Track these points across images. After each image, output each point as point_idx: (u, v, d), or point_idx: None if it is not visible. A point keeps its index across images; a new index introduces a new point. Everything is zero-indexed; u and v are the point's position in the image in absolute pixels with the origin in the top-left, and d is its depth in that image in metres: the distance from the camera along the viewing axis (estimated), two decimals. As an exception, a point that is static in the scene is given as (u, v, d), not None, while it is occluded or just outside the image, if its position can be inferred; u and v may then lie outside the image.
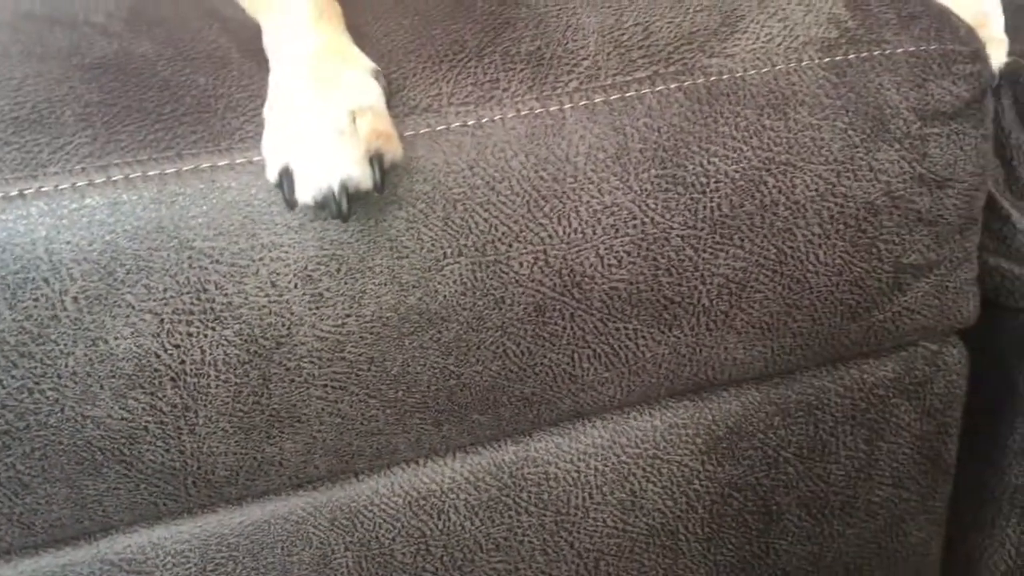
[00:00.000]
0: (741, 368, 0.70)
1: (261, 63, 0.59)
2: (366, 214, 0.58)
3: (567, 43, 0.61)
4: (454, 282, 0.60)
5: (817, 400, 0.73)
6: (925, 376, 0.75)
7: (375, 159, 0.54)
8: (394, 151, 0.55)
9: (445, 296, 0.60)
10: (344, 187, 0.53)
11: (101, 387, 0.58)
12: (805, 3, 0.64)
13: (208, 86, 0.58)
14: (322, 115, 0.54)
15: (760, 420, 0.72)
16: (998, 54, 0.68)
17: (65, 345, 0.56)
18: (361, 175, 0.54)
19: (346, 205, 0.53)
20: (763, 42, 0.62)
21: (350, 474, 0.67)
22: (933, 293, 0.70)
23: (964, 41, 0.65)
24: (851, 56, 0.63)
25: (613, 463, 0.71)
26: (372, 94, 0.56)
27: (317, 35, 0.58)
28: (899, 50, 0.64)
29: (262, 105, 0.57)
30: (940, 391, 0.76)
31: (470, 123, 0.58)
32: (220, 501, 0.65)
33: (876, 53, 0.63)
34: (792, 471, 0.75)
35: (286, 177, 0.54)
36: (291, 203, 0.54)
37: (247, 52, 0.60)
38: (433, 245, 0.59)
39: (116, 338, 0.57)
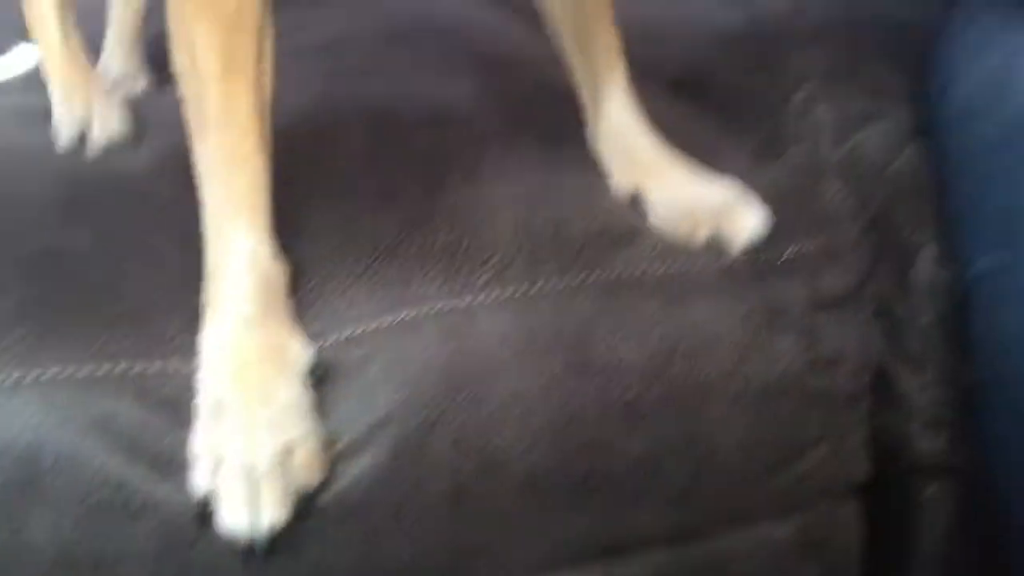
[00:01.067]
0: (651, 532, 0.73)
1: (198, 261, 0.62)
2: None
3: (481, 236, 0.65)
4: (374, 465, 0.63)
5: (722, 560, 0.76)
6: (824, 534, 0.79)
7: (302, 497, 0.57)
8: (318, 476, 0.58)
9: (364, 484, 0.62)
10: (271, 529, 0.55)
11: (20, 577, 0.58)
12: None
13: (143, 289, 0.60)
14: (250, 452, 0.55)
15: (669, 581, 0.75)
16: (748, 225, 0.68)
17: (-14, 534, 0.57)
18: (281, 515, 0.56)
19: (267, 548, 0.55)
20: (664, 244, 0.66)
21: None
22: (828, 458, 0.75)
23: (845, 232, 0.70)
24: (742, 259, 0.68)
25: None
26: (303, 424, 0.57)
27: (248, 332, 0.58)
28: (785, 252, 0.69)
29: (195, 316, 0.59)
30: (839, 547, 0.80)
31: (387, 321, 0.62)
32: None
33: (764, 257, 0.69)
34: (701, 630, 0.77)
35: (208, 502, 0.56)
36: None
37: (185, 248, 0.63)
38: (355, 433, 0.62)
39: (36, 528, 0.58)
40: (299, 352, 0.59)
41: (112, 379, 0.58)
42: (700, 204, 0.68)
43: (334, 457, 0.58)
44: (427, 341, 0.62)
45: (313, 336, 0.61)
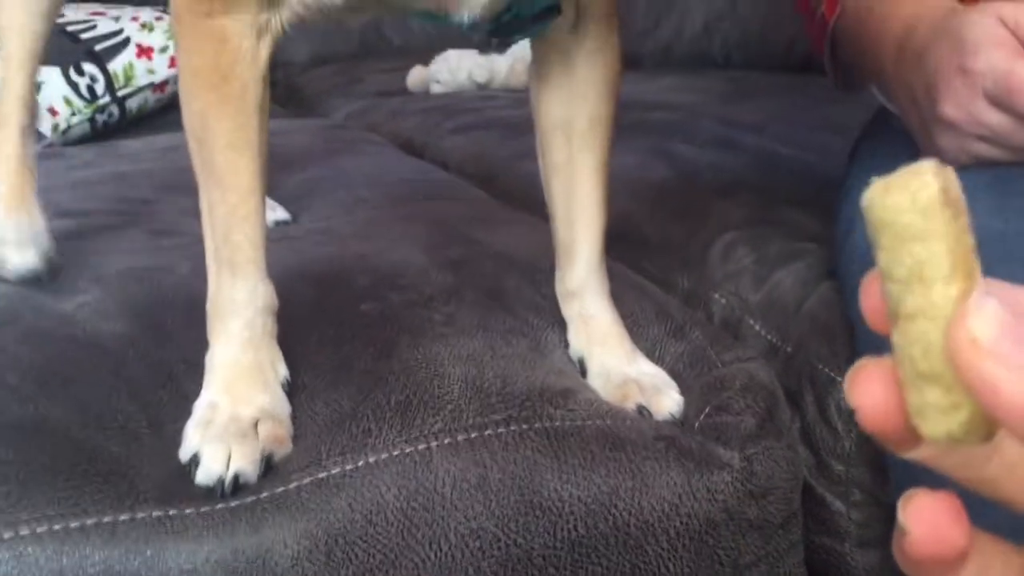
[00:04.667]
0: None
1: (167, 422, 0.66)
2: (253, 553, 0.64)
3: (433, 390, 0.71)
4: (335, 608, 0.66)
5: None
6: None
7: (266, 459, 0.66)
8: (284, 450, 0.68)
9: (327, 624, 0.66)
10: (236, 477, 0.65)
11: None
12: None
13: (119, 455, 0.65)
14: (232, 420, 0.67)
15: None
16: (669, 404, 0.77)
17: None
18: (252, 471, 0.66)
19: (230, 492, 0.65)
20: (598, 402, 0.73)
21: None
22: (767, 580, 0.79)
23: (747, 375, 0.77)
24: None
25: None
26: (277, 405, 0.69)
27: (244, 352, 0.69)
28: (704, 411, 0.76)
29: (170, 474, 0.65)
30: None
31: (347, 468, 0.66)
32: None
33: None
34: None
35: (194, 461, 0.66)
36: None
37: (154, 425, 0.69)
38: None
39: None
40: (280, 368, 0.71)
41: (86, 529, 0.61)
42: (632, 381, 0.77)
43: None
44: (384, 484, 0.67)
45: (275, 478, 0.66)
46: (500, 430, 0.70)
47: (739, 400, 0.75)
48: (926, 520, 0.28)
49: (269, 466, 0.66)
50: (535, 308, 0.83)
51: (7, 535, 0.61)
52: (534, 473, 0.69)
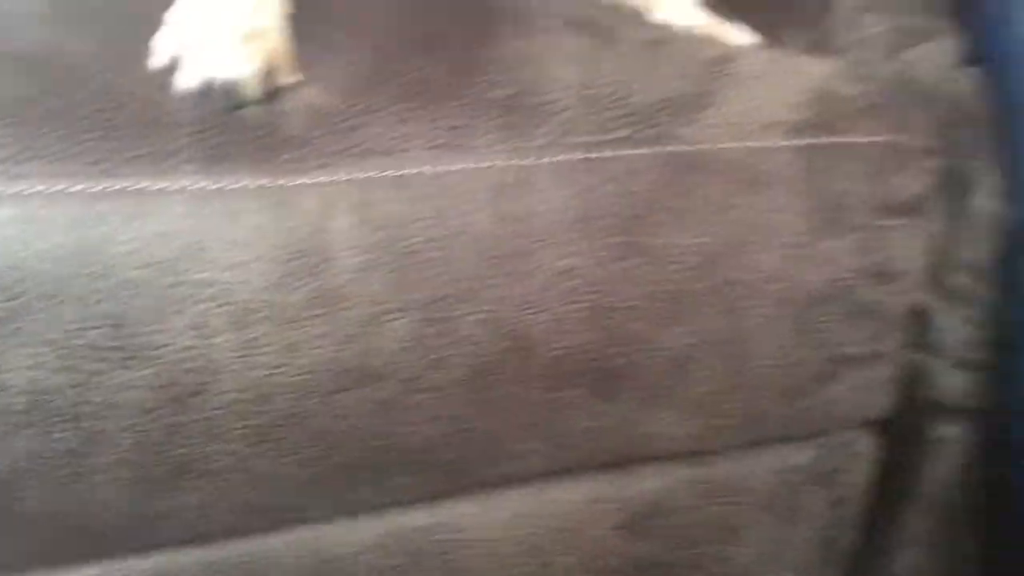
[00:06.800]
0: (670, 444, 0.67)
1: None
2: (310, 259, 0.53)
3: (542, 94, 0.58)
4: (396, 339, 0.56)
5: (738, 481, 0.72)
6: (838, 466, 0.75)
7: (268, 73, 0.54)
8: (286, 73, 0.55)
9: (385, 353, 0.56)
10: (231, 83, 0.53)
11: (-13, 423, 0.50)
12: (775, 85, 0.63)
13: (155, 97, 0.52)
14: (227, 22, 0.54)
15: (681, 498, 0.70)
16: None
17: (-48, 373, 0.49)
18: (253, 81, 0.53)
19: (225, 102, 0.52)
20: (736, 117, 0.60)
21: (249, 532, 0.61)
22: (860, 386, 0.70)
23: (922, 137, 0.65)
24: (815, 141, 0.62)
25: (528, 533, 0.68)
26: (275, 17, 0.57)
27: None
28: (860, 140, 0.63)
29: (204, 129, 0.52)
30: (851, 481, 0.76)
31: (436, 170, 0.54)
32: (104, 554, 0.58)
33: (839, 140, 0.63)
34: (705, 552, 0.73)
35: (173, 65, 0.53)
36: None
37: None
38: (379, 298, 0.55)
39: (12, 369, 0.50)
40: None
41: (110, 195, 0.50)
42: (701, 26, 0.71)
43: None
44: (474, 201, 0.55)
45: (347, 157, 0.54)
46: (615, 153, 0.58)
47: (883, 156, 0.64)
48: None
49: (272, 92, 0.54)
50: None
51: (13, 189, 0.49)
52: (645, 212, 0.58)
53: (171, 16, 0.55)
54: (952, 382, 0.77)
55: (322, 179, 0.53)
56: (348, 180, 0.53)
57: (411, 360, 0.57)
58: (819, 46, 0.85)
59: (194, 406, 0.53)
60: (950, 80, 0.79)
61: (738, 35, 0.73)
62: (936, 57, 0.82)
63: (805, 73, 0.65)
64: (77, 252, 0.50)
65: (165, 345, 0.51)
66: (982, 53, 0.81)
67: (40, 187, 0.49)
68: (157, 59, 0.54)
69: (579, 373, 0.61)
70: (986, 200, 0.73)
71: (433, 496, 0.64)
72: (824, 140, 0.62)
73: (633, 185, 0.57)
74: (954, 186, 0.75)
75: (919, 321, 0.75)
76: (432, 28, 0.62)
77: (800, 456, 0.73)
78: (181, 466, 0.55)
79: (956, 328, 0.75)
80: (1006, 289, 0.73)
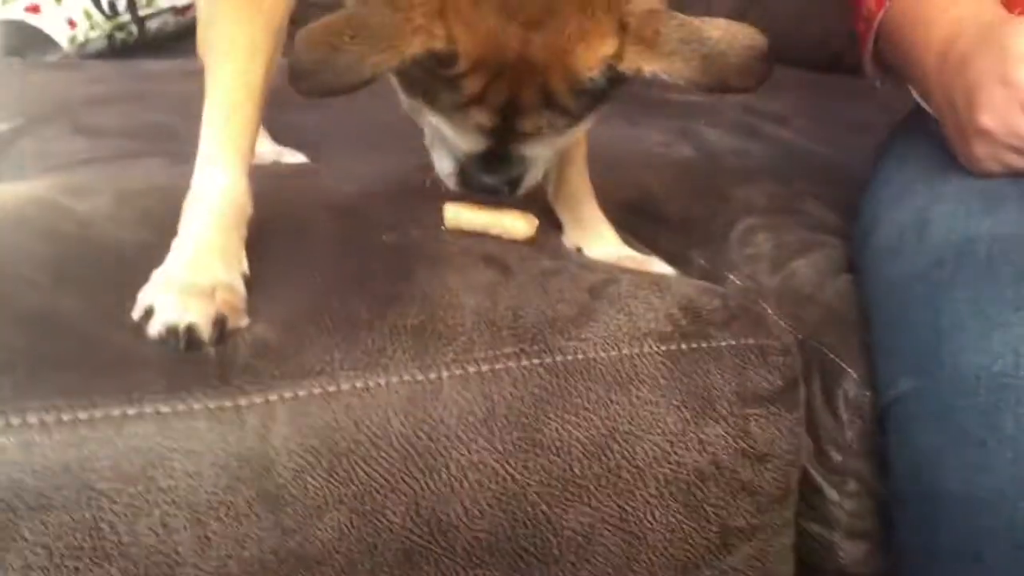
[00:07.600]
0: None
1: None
2: (255, 465, 0.64)
3: (447, 320, 0.71)
4: (332, 529, 0.67)
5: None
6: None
7: (220, 321, 0.67)
8: (236, 320, 0.68)
9: (323, 542, 0.66)
10: (190, 330, 0.65)
11: (-15, 616, 0.61)
12: (646, 302, 0.76)
13: (126, 343, 0.65)
14: (190, 284, 0.68)
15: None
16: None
17: (-44, 574, 0.60)
18: (206, 328, 0.66)
19: (183, 344, 0.65)
20: (612, 330, 0.73)
21: None
22: (756, 556, 0.79)
23: (777, 337, 0.77)
24: (683, 347, 0.75)
25: None
26: (235, 282, 0.70)
27: (214, 235, 0.71)
28: (722, 344, 0.76)
29: (175, 366, 0.65)
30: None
31: (358, 386, 0.67)
32: None
33: (704, 345, 0.75)
34: None
35: (147, 314, 0.66)
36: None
37: None
38: (316, 494, 0.66)
39: (7, 570, 0.61)
40: (243, 261, 0.72)
41: (94, 422, 0.62)
42: (625, 258, 0.87)
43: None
44: (392, 409, 0.67)
45: (286, 379, 0.66)
46: (510, 364, 0.70)
47: (744, 355, 0.76)
48: None
49: (223, 335, 0.67)
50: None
51: (15, 421, 0.61)
52: (539, 410, 0.70)
53: (155, 274, 0.69)
54: (851, 550, 0.86)
55: (265, 398, 0.66)
56: (287, 398, 0.66)
57: (347, 547, 0.67)
58: (716, 263, 0.99)
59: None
60: (824, 286, 0.92)
61: (658, 265, 0.89)
62: (816, 266, 0.96)
63: (674, 291, 0.78)
64: (64, 470, 0.62)
65: (133, 544, 0.62)
66: (852, 263, 0.94)
67: (36, 419, 0.62)
68: (136, 310, 0.67)
69: (494, 552, 0.71)
70: (855, 387, 0.84)
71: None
72: (691, 345, 0.75)
73: (524, 390, 0.70)
74: (828, 376, 0.86)
75: (812, 495, 0.86)
76: (361, 266, 0.76)
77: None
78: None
79: (843, 502, 0.85)
80: (875, 466, 0.84)
